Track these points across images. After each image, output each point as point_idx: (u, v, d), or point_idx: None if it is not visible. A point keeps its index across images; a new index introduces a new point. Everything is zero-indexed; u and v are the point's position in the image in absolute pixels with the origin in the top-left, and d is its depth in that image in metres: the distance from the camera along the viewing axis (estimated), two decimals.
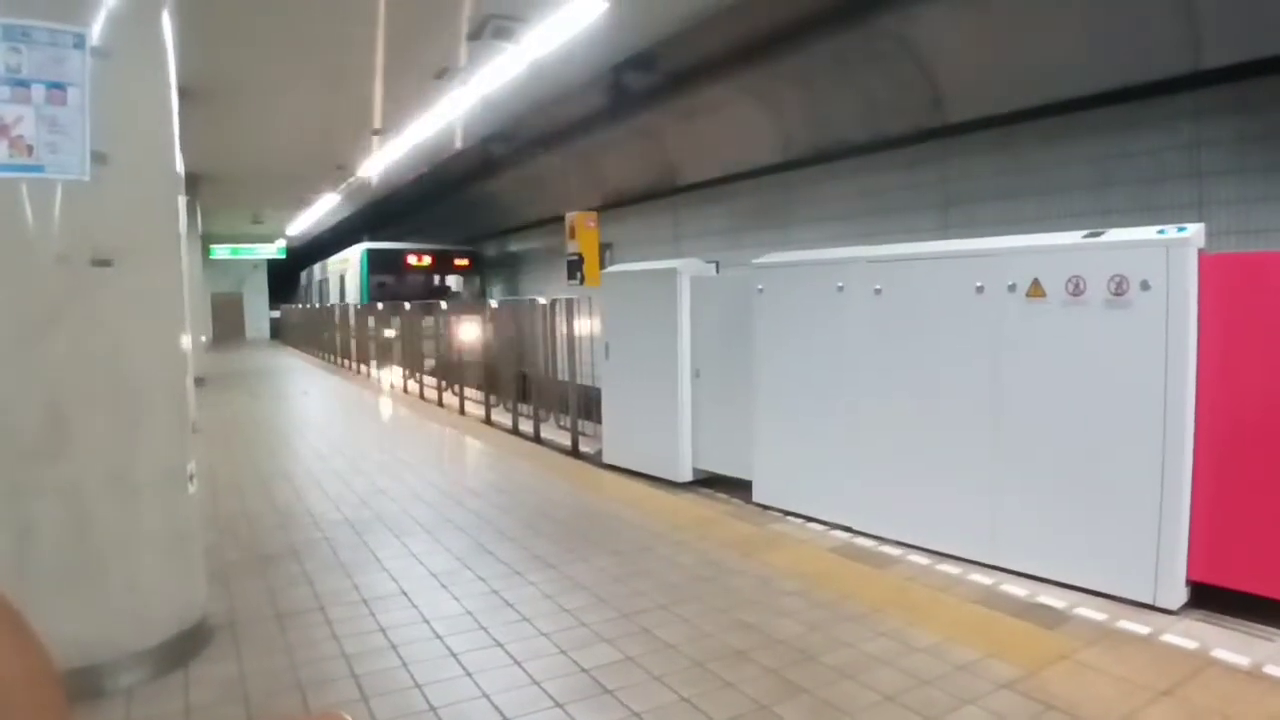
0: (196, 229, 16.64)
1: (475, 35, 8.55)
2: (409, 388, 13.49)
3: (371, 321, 16.98)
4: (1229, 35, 6.70)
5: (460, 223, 24.93)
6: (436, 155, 15.17)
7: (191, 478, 3.54)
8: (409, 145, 13.81)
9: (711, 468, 6.17)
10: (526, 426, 8.90)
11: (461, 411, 10.70)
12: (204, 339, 18.28)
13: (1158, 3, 6.93)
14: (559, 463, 7.36)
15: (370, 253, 23.01)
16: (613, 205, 16.14)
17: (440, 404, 11.55)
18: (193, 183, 14.93)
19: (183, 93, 3.68)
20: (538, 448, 8.10)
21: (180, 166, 3.61)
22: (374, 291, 21.83)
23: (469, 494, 6.20)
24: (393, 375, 14.93)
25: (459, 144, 12.15)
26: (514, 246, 23.56)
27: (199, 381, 11.74)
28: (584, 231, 9.46)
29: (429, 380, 13.01)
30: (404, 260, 23.26)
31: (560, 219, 14.72)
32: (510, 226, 22.72)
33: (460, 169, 18.96)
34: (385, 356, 15.94)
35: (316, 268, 31.94)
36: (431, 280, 23.50)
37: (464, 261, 24.23)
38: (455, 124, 10.84)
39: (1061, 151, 8.41)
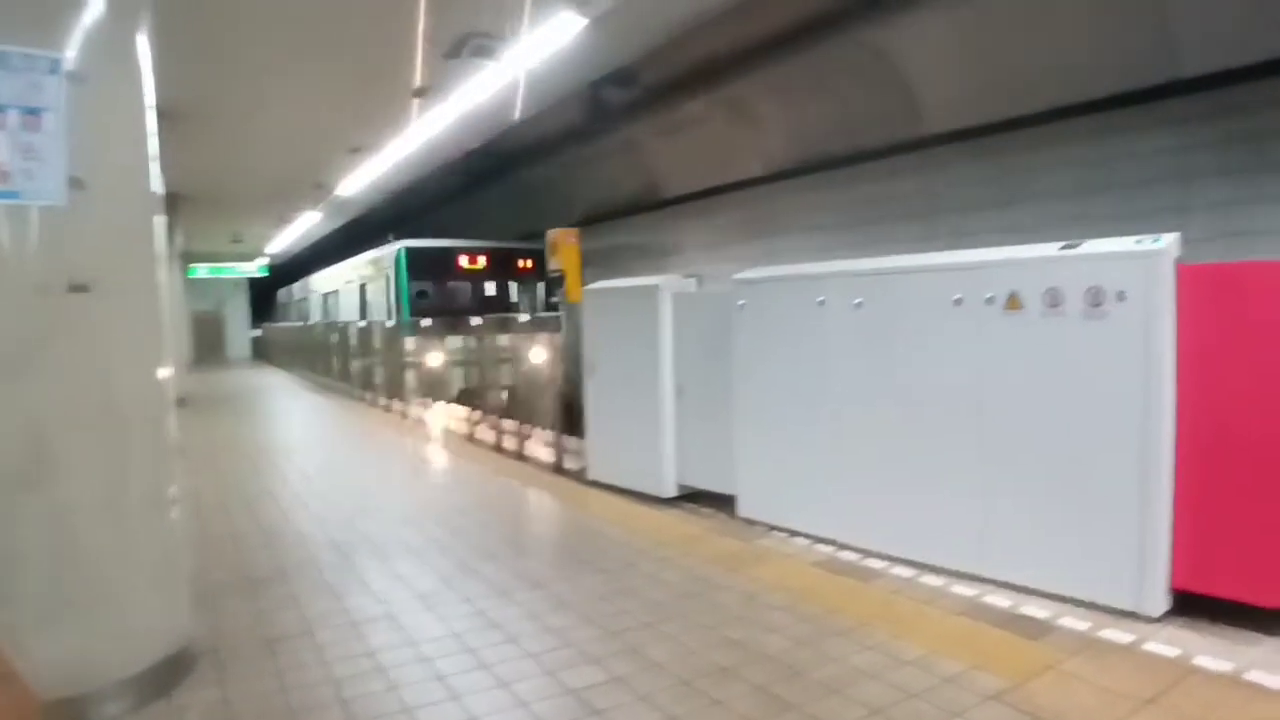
0: (176, 249, 16.50)
1: (454, 54, 8.57)
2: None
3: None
4: (1209, 43, 6.80)
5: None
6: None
7: (175, 502, 3.52)
8: (390, 161, 13.80)
9: (696, 483, 6.17)
10: (508, 444, 8.87)
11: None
12: (184, 360, 18.05)
13: (1140, 13, 7.02)
14: (543, 480, 7.34)
15: (411, 253, 17.10)
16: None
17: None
18: (172, 203, 14.86)
19: (161, 113, 3.66)
20: (521, 465, 8.07)
21: (159, 187, 3.60)
22: (414, 304, 16.89)
23: (454, 512, 6.18)
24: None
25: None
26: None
27: (181, 402, 11.63)
28: (565, 248, 9.38)
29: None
30: (454, 262, 17.73)
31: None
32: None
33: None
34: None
35: (303, 283, 29.42)
36: (482, 288, 18.31)
37: (528, 263, 18.70)
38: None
39: (1045, 159, 8.49)
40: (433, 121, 11.08)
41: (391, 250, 17.67)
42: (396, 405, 13.26)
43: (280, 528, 5.89)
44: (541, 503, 6.53)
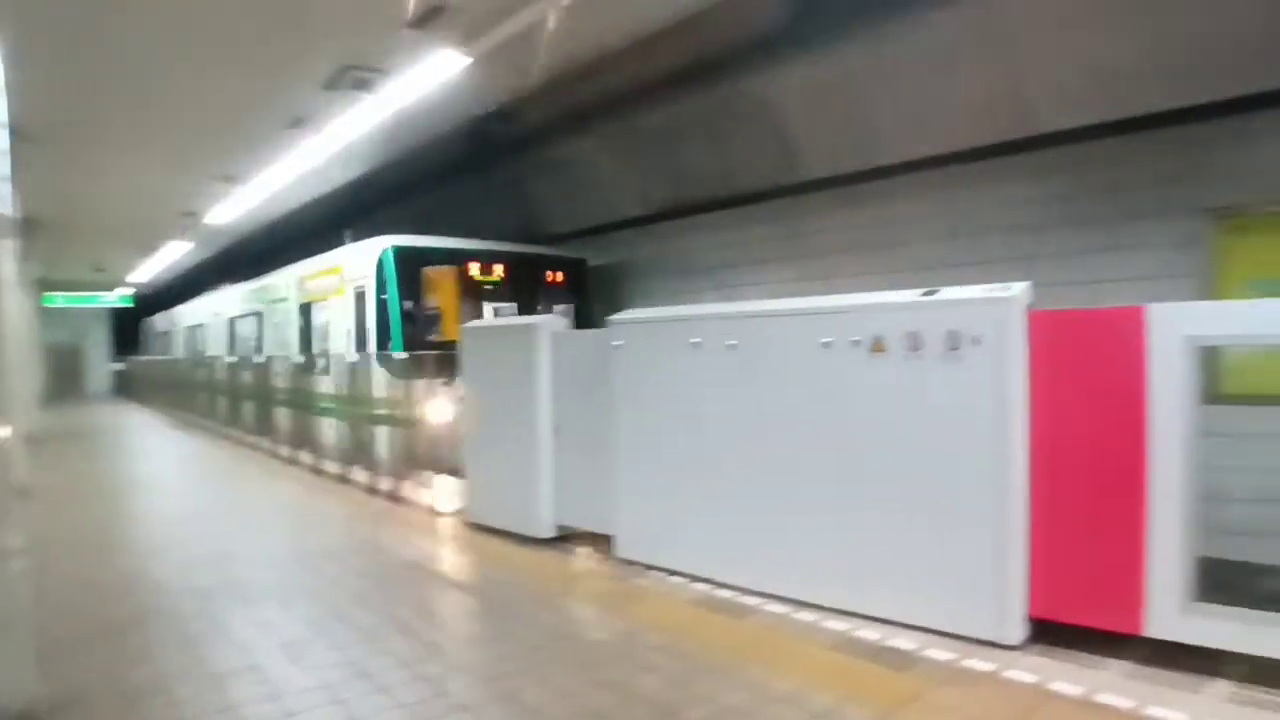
0: (29, 276, 15.55)
1: (332, 85, 8.45)
2: None
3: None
4: (1058, 103, 7.27)
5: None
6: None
7: (17, 551, 3.30)
8: (267, 192, 13.45)
9: (574, 523, 6.13)
10: (384, 485, 8.63)
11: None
12: (35, 395, 16.93)
13: (995, 72, 7.46)
14: (419, 522, 7.18)
15: (403, 256, 11.52)
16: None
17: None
18: (28, 228, 14.05)
19: (19, 134, 3.49)
20: (396, 507, 7.87)
21: (10, 211, 3.40)
22: (409, 329, 11.31)
23: (324, 557, 5.98)
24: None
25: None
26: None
27: (30, 440, 10.93)
28: (443, 285, 9.08)
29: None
30: (463, 269, 11.75)
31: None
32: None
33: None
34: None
35: (188, 309, 24.43)
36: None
37: (558, 276, 13.33)
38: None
39: (908, 207, 8.87)
40: (311, 151, 10.87)
41: (368, 251, 11.76)
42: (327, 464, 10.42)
43: (140, 574, 5.57)
44: (417, 546, 6.38)
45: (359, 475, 9.25)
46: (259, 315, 16.89)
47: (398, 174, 13.78)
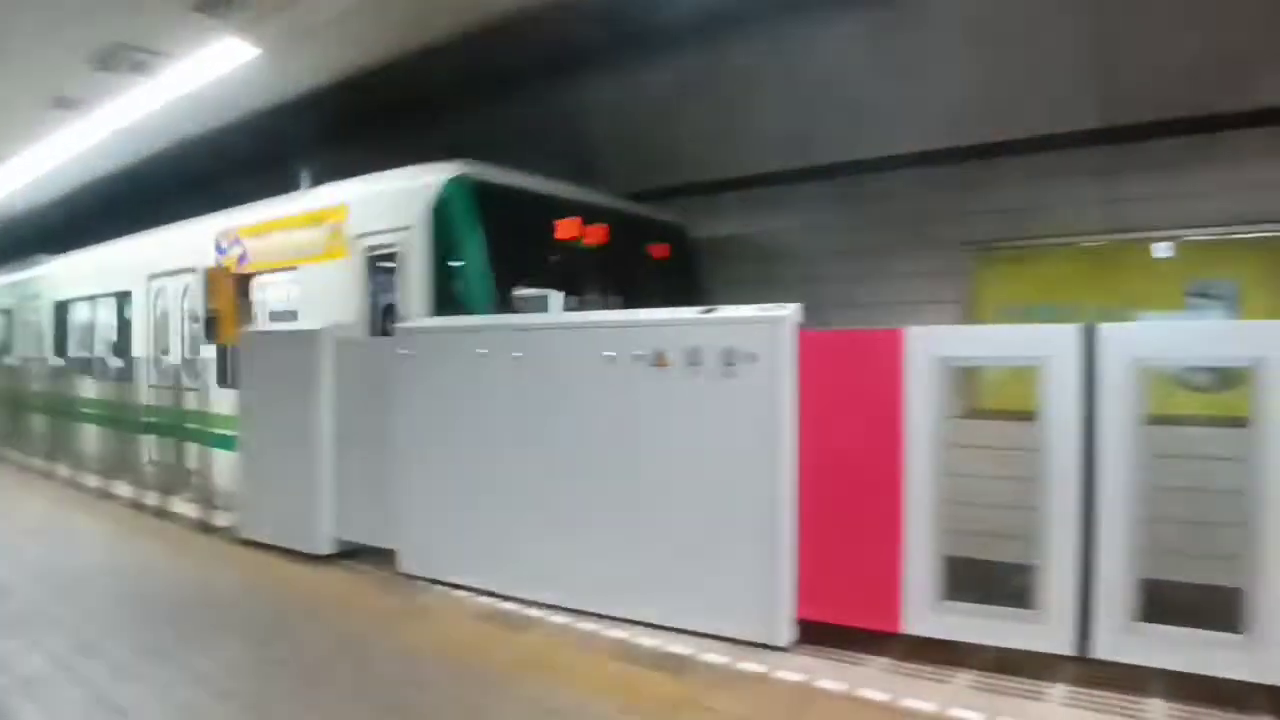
0: None
1: (105, 65, 7.83)
2: None
3: None
4: (835, 139, 7.75)
5: None
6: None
7: None
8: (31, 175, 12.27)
9: (356, 538, 5.88)
10: (150, 500, 7.96)
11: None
12: None
13: (778, 106, 7.86)
14: (187, 540, 6.72)
15: (483, 192, 6.72)
16: None
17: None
18: None
19: None
20: (163, 524, 7.29)
21: None
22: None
23: (75, 580, 5.48)
24: None
25: None
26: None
27: None
28: (221, 285, 8.25)
29: None
30: (546, 224, 6.68)
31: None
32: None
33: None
34: None
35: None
36: (606, 281, 7.63)
37: (661, 245, 8.06)
38: None
39: (703, 228, 9.18)
40: (83, 133, 10.03)
41: (411, 187, 7.00)
42: None
43: None
44: (182, 566, 5.94)
45: (123, 489, 8.52)
46: (125, 296, 11.11)
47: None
